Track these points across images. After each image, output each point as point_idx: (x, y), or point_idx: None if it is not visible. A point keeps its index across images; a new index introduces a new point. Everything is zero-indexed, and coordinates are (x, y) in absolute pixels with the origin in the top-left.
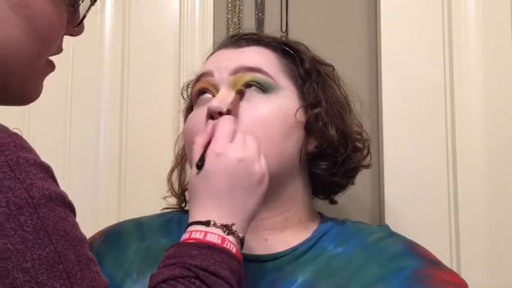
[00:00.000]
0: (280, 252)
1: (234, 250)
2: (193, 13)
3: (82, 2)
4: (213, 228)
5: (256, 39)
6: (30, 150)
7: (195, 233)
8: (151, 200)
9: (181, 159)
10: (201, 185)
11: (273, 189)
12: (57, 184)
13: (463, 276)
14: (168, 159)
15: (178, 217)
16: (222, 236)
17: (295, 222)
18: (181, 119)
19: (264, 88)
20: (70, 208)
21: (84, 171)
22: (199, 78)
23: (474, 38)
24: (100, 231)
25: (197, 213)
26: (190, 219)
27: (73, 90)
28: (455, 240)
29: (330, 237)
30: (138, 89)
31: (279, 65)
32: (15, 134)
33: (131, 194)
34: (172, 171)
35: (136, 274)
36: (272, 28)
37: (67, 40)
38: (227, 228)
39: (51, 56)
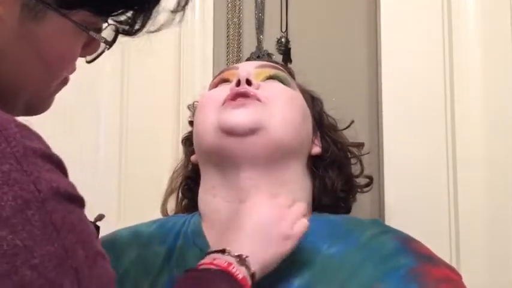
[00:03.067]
0: None
1: (239, 276)
2: (193, 13)
3: (102, 40)
4: (225, 256)
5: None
6: (38, 139)
7: (206, 259)
8: (151, 204)
9: (179, 184)
10: (233, 218)
11: (280, 160)
12: (66, 174)
13: (462, 275)
14: (167, 163)
15: (173, 222)
16: (228, 262)
17: None
18: (181, 120)
19: (284, 84)
20: (78, 201)
21: (84, 176)
22: (222, 71)
23: (474, 38)
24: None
25: (217, 243)
26: (213, 247)
27: (72, 96)
28: (455, 239)
29: (323, 236)
30: (138, 91)
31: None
32: (23, 125)
33: (130, 198)
34: (167, 197)
35: (131, 283)
36: (272, 28)
37: None
38: (240, 258)
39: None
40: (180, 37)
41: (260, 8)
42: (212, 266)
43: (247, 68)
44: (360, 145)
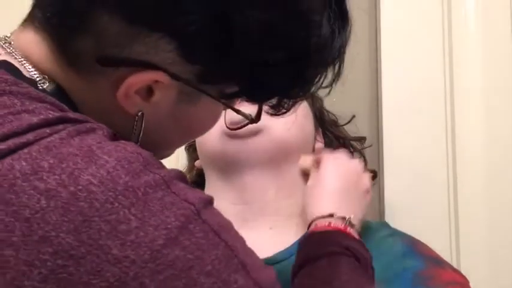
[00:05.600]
0: (281, 253)
1: (355, 236)
2: None
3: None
4: (334, 219)
5: None
6: (164, 165)
7: (319, 224)
8: None
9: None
10: (317, 186)
11: (284, 160)
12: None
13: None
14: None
15: None
16: (344, 224)
17: (298, 212)
18: None
19: None
20: (212, 201)
21: None
22: None
23: (474, 38)
24: None
25: (316, 210)
26: (311, 216)
27: None
28: (455, 239)
29: None
30: None
31: None
32: (151, 155)
33: None
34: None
35: None
36: None
37: None
38: (346, 220)
39: None
40: None
41: None
42: (330, 228)
43: None
44: (362, 139)
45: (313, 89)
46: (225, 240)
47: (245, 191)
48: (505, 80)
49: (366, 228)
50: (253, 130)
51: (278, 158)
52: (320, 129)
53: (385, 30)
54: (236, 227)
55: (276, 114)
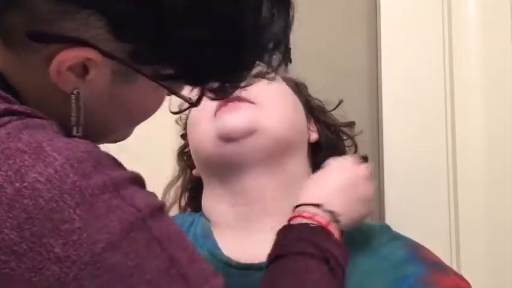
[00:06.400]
0: None
1: (335, 234)
2: None
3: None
4: (321, 211)
5: None
6: (121, 165)
7: (304, 213)
8: None
9: (179, 195)
10: (314, 179)
11: (281, 157)
12: (146, 188)
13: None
14: (167, 168)
15: (181, 222)
16: (328, 221)
17: None
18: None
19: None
20: (163, 207)
21: None
22: None
23: (474, 38)
24: None
25: (308, 198)
26: (301, 201)
27: None
28: (455, 240)
29: None
30: None
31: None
32: (111, 156)
33: None
34: (174, 183)
35: None
36: None
37: None
38: (333, 215)
39: None
40: None
41: None
42: (311, 222)
43: None
44: (351, 124)
45: (254, 73)
46: (168, 250)
47: (245, 193)
48: (505, 80)
49: (366, 231)
50: (247, 131)
51: (276, 155)
52: (312, 118)
53: (385, 26)
54: (237, 229)
55: (215, 99)
